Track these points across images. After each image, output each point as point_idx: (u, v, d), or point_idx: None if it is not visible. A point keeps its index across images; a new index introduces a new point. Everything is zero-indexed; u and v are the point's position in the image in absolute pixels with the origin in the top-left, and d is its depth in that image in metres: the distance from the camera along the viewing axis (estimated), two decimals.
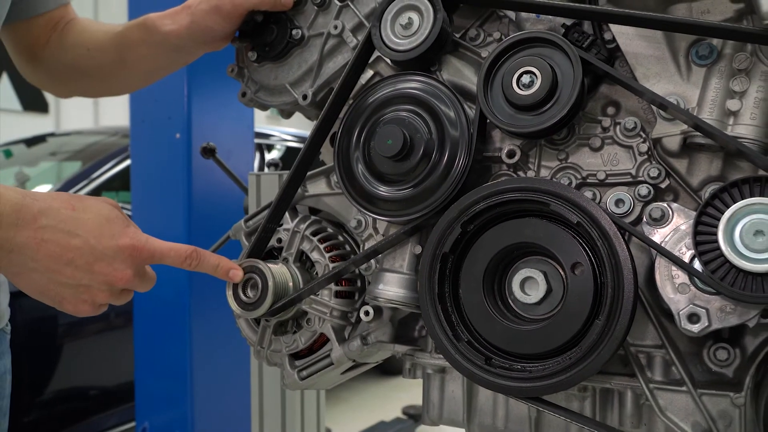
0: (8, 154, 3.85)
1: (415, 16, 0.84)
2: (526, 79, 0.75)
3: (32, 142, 4.00)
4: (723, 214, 0.64)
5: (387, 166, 0.81)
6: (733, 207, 0.64)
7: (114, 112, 7.77)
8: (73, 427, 2.76)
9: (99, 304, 0.77)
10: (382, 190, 0.82)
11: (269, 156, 3.66)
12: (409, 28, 0.84)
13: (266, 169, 1.53)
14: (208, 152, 1.36)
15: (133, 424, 2.59)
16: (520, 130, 0.76)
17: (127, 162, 2.86)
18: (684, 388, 0.70)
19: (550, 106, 0.75)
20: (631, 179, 0.78)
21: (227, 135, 2.32)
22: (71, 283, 0.74)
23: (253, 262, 0.89)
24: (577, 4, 0.76)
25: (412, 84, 0.83)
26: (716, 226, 0.64)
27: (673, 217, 0.74)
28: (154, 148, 2.28)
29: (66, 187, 3.03)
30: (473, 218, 0.76)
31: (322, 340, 0.93)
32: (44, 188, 3.44)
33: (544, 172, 0.82)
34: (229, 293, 0.89)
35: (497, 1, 0.81)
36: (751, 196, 0.64)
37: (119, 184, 3.27)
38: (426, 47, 0.83)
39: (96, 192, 3.20)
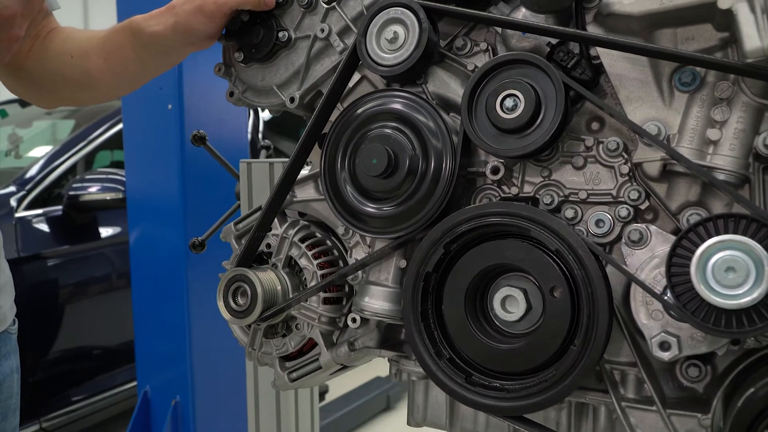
0: (3, 114, 3.82)
1: (400, 30, 0.84)
2: (509, 102, 0.75)
3: (26, 102, 3.96)
4: (697, 248, 0.66)
5: (372, 184, 0.82)
6: (707, 242, 0.65)
7: None
8: (80, 386, 2.85)
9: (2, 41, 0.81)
10: (369, 207, 0.83)
11: (264, 114, 3.63)
12: (394, 42, 0.84)
13: (261, 154, 1.53)
14: (199, 140, 1.36)
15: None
16: (504, 154, 0.77)
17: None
18: (654, 408, 0.73)
19: (533, 129, 0.76)
20: (611, 199, 0.79)
21: (220, 106, 2.30)
22: None
23: (242, 271, 0.91)
24: (558, 27, 0.75)
25: (397, 101, 0.83)
26: (690, 260, 0.66)
27: (651, 239, 0.76)
28: (146, 119, 2.27)
29: (64, 149, 3.03)
30: (456, 239, 0.78)
31: (311, 343, 0.96)
32: (41, 150, 3.43)
33: (527, 188, 0.83)
34: (220, 303, 0.91)
35: (481, 17, 0.80)
36: (726, 232, 0.65)
37: (116, 143, 3.26)
38: (412, 63, 0.82)
39: (92, 153, 3.20)
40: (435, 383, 0.77)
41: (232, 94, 1.06)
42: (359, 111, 0.85)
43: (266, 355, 0.97)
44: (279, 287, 0.94)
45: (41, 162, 2.97)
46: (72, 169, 3.05)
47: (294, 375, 0.96)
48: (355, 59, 0.87)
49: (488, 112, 0.76)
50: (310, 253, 0.94)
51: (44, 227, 2.79)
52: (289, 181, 0.94)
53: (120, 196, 2.78)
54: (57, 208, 2.82)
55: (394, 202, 0.82)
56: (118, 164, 3.45)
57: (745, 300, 0.63)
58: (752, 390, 0.66)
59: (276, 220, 0.97)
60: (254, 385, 1.87)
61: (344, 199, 0.84)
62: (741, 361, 0.75)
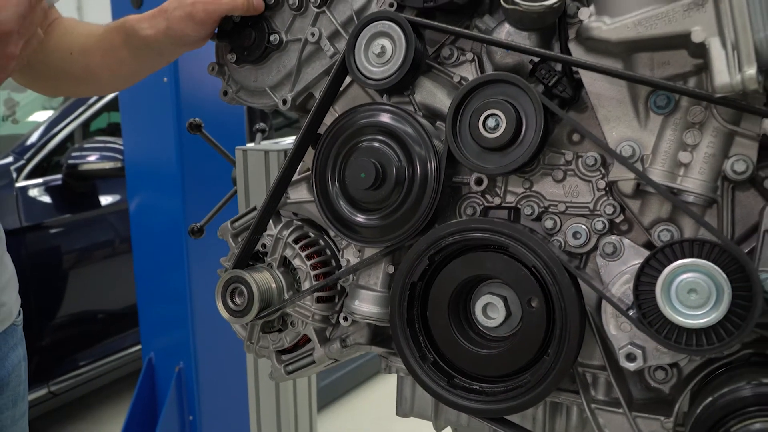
0: None
1: (387, 43, 0.86)
2: (491, 122, 0.78)
3: None
4: (663, 269, 0.70)
5: (362, 196, 0.86)
6: (672, 265, 0.69)
7: None
8: (86, 350, 2.94)
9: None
10: (358, 218, 0.87)
11: None
12: (382, 56, 0.86)
13: (256, 137, 1.56)
14: (195, 128, 1.39)
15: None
16: (487, 171, 0.80)
17: None
18: (620, 410, 0.79)
19: (515, 147, 0.79)
20: (588, 212, 0.83)
21: (214, 77, 2.31)
22: None
23: (238, 272, 0.95)
24: (538, 49, 0.78)
25: (384, 116, 0.86)
26: (656, 280, 0.70)
27: (624, 252, 0.80)
28: (142, 91, 2.28)
29: (62, 116, 3.04)
30: (440, 250, 0.82)
31: (305, 338, 1.02)
32: (38, 115, 3.44)
33: (510, 198, 0.87)
34: (219, 303, 0.96)
35: (464, 34, 0.82)
36: (691, 256, 0.69)
37: (113, 105, 3.25)
38: (400, 77, 0.85)
39: (91, 118, 3.20)
40: (419, 385, 0.83)
41: (225, 93, 1.09)
42: (345, 126, 0.87)
43: (263, 348, 1.03)
44: (274, 286, 0.98)
45: (40, 130, 2.98)
46: (70, 136, 3.07)
47: (290, 368, 1.01)
48: (344, 71, 0.90)
49: (471, 130, 0.79)
50: (303, 254, 0.99)
51: (45, 196, 2.83)
52: (283, 185, 0.97)
53: (119, 165, 2.81)
54: (57, 177, 2.86)
55: (383, 213, 0.86)
56: (114, 125, 3.46)
57: (703, 321, 0.68)
58: (710, 399, 0.72)
59: (271, 220, 1.01)
60: (254, 358, 1.95)
61: (336, 210, 0.88)
62: (705, 366, 0.80)
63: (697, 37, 0.66)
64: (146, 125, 2.36)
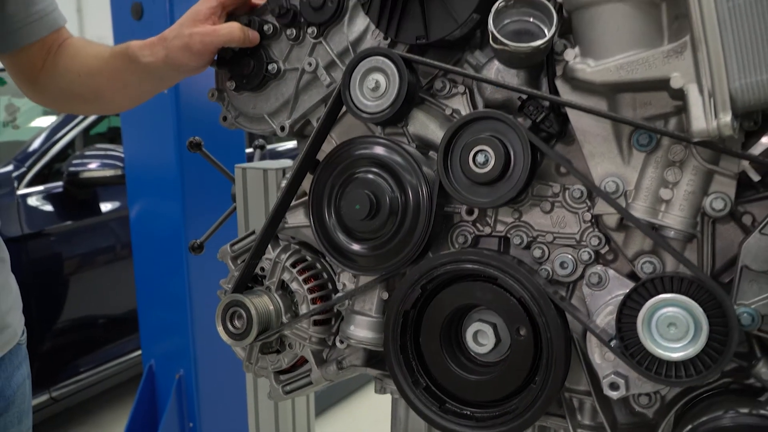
0: (2, 82, 3.82)
1: (381, 78, 0.88)
2: (481, 158, 0.81)
3: None
4: (644, 303, 0.73)
5: (357, 225, 0.89)
6: (653, 300, 0.73)
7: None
8: (87, 355, 2.97)
9: None
10: (354, 247, 0.90)
11: None
12: (376, 90, 0.88)
13: (255, 154, 1.59)
14: (195, 146, 1.42)
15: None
16: (477, 205, 0.83)
17: None
18: None
19: (504, 181, 0.82)
20: (575, 243, 0.86)
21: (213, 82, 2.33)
22: None
23: (237, 297, 0.98)
24: (524, 88, 0.81)
25: (375, 148, 0.89)
26: (638, 313, 0.73)
27: (609, 282, 0.83)
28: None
29: (65, 121, 3.06)
30: (432, 280, 0.85)
31: (303, 359, 1.05)
32: (39, 121, 3.46)
33: (500, 227, 0.90)
34: (219, 327, 0.99)
35: (455, 71, 0.85)
36: (671, 291, 0.72)
37: None
38: (394, 111, 0.88)
39: (90, 127, 3.22)
40: (412, 409, 0.86)
41: (225, 118, 1.12)
42: (338, 159, 0.90)
43: (262, 369, 1.06)
44: (272, 308, 1.01)
45: (42, 137, 3.01)
46: (71, 143, 3.09)
47: (288, 388, 1.05)
48: (339, 103, 0.92)
49: (462, 165, 0.82)
50: (301, 278, 1.02)
51: (46, 203, 2.86)
52: (282, 211, 1.00)
53: (119, 172, 2.83)
54: (57, 185, 2.89)
55: (378, 242, 0.89)
56: (114, 130, 3.49)
57: (681, 354, 0.71)
58: (690, 427, 0.75)
59: (269, 244, 1.04)
60: None
61: (333, 240, 0.91)
62: (687, 393, 0.83)
63: (675, 84, 0.69)
64: (147, 133, 2.39)
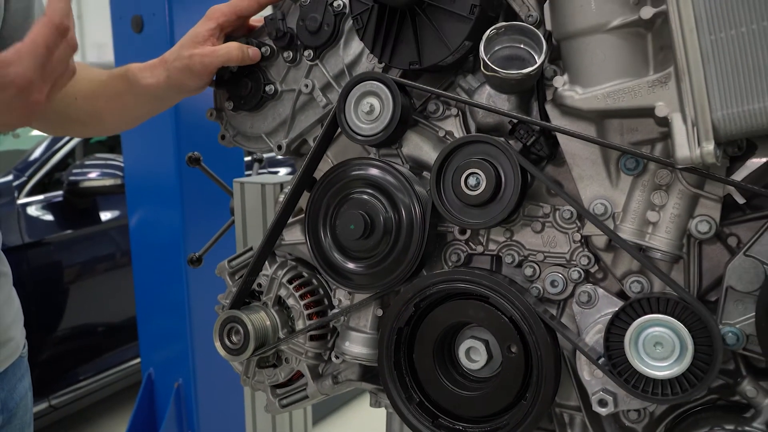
0: None
1: (375, 102, 0.91)
2: (472, 180, 0.83)
3: None
4: (632, 323, 0.75)
5: (352, 245, 0.91)
6: (640, 320, 0.75)
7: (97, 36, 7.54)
8: (86, 364, 2.98)
9: (23, 108, 0.78)
10: (349, 266, 0.92)
11: None
12: (371, 113, 0.91)
13: (253, 166, 1.61)
14: (194, 161, 1.44)
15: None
16: (468, 226, 0.85)
17: None
18: None
19: (495, 203, 0.84)
20: (565, 262, 0.88)
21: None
22: None
23: (234, 313, 1.01)
24: (514, 113, 0.83)
25: (369, 169, 0.91)
26: (625, 332, 0.76)
27: (598, 301, 0.85)
28: None
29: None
30: (425, 298, 0.87)
31: (299, 374, 1.07)
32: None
33: (492, 246, 0.92)
34: (217, 343, 1.01)
35: (448, 97, 0.88)
36: (658, 311, 0.75)
37: None
38: (388, 134, 0.90)
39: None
40: (406, 424, 0.88)
41: (223, 137, 1.14)
42: (333, 181, 0.92)
43: (259, 383, 1.08)
44: (269, 324, 1.03)
45: (43, 146, 3.03)
46: (71, 152, 3.12)
47: (284, 402, 1.06)
48: (335, 125, 0.95)
49: (454, 187, 0.85)
50: (297, 294, 1.04)
51: (46, 213, 2.88)
52: (279, 228, 1.02)
53: (119, 182, 2.86)
54: (58, 194, 2.91)
55: (373, 261, 0.91)
56: (114, 138, 3.51)
57: (667, 373, 0.73)
58: None
59: (266, 261, 1.06)
60: None
61: (328, 259, 0.93)
62: (675, 408, 0.85)
63: (660, 112, 0.71)
64: (146, 142, 2.41)
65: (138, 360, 3.02)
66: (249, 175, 1.65)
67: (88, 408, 3.10)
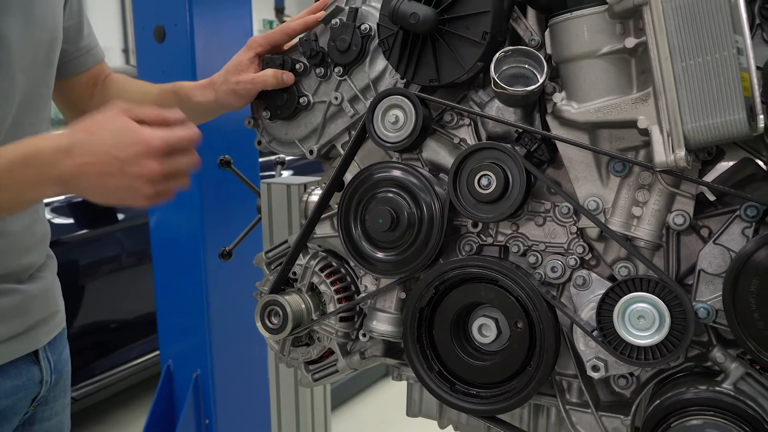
0: None
1: (400, 114, 1.05)
2: (484, 181, 0.98)
3: None
4: (618, 300, 0.90)
5: (380, 236, 1.05)
6: (626, 297, 0.90)
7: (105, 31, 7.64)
8: (104, 358, 3.12)
9: (149, 195, 0.91)
10: (378, 255, 1.07)
11: None
12: (396, 123, 1.05)
13: (276, 169, 1.76)
14: (225, 164, 1.58)
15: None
16: (481, 220, 1.00)
17: None
18: (590, 410, 0.99)
19: (503, 200, 0.99)
20: (564, 251, 1.03)
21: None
22: (120, 187, 0.90)
23: (274, 297, 1.15)
24: (519, 124, 0.98)
25: (395, 171, 1.05)
26: (614, 308, 0.90)
27: (592, 284, 1.00)
28: None
29: None
30: (444, 281, 1.02)
31: (330, 351, 1.21)
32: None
33: (500, 238, 1.07)
34: (258, 323, 1.16)
35: (462, 110, 1.02)
36: (641, 290, 0.89)
37: None
38: (411, 141, 1.04)
39: None
40: (427, 390, 1.03)
41: (260, 142, 1.28)
42: (363, 181, 1.07)
43: (294, 360, 1.22)
44: (304, 307, 1.18)
45: None
46: None
47: (316, 376, 1.21)
48: (364, 133, 1.09)
49: (468, 187, 0.99)
50: (328, 281, 1.18)
51: (65, 213, 3.01)
52: (313, 224, 1.17)
53: None
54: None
55: (398, 251, 1.06)
56: None
57: (649, 341, 0.88)
58: (658, 402, 0.91)
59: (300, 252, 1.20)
60: (275, 362, 2.13)
61: (359, 249, 1.07)
62: (658, 375, 1.00)
63: (641, 125, 0.86)
64: None
65: (152, 354, 3.16)
66: (272, 176, 1.80)
67: (108, 399, 3.23)
